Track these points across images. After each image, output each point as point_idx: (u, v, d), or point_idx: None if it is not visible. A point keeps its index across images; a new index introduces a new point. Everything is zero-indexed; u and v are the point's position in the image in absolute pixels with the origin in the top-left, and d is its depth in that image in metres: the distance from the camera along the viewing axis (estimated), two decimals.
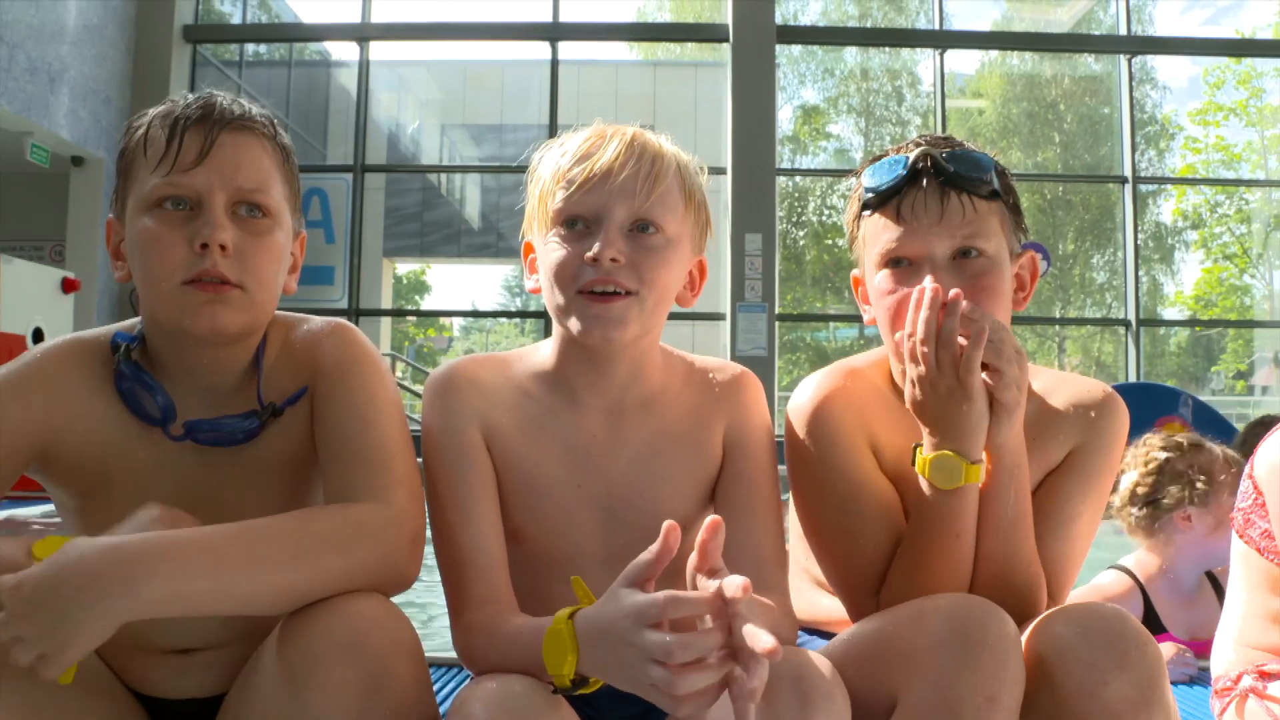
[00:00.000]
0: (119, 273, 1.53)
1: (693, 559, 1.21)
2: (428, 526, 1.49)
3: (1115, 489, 2.95)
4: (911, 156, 1.59)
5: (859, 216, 1.67)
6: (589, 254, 1.48)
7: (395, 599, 1.38)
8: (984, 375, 1.47)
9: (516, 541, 1.59)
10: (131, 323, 1.59)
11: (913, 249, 1.58)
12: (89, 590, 1.17)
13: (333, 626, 1.25)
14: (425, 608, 3.94)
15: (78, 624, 1.16)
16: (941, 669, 1.32)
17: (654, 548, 1.20)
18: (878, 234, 1.62)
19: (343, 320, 1.62)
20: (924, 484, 1.52)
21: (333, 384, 1.52)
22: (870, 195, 1.63)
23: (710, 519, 1.20)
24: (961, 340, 1.46)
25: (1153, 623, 2.83)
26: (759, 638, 1.09)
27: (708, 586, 1.16)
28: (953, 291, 1.47)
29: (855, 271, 1.75)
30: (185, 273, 1.42)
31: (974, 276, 1.55)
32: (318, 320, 1.62)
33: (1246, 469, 1.93)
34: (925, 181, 1.58)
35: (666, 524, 1.20)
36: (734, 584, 1.12)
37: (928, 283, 1.50)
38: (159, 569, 1.20)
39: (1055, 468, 1.65)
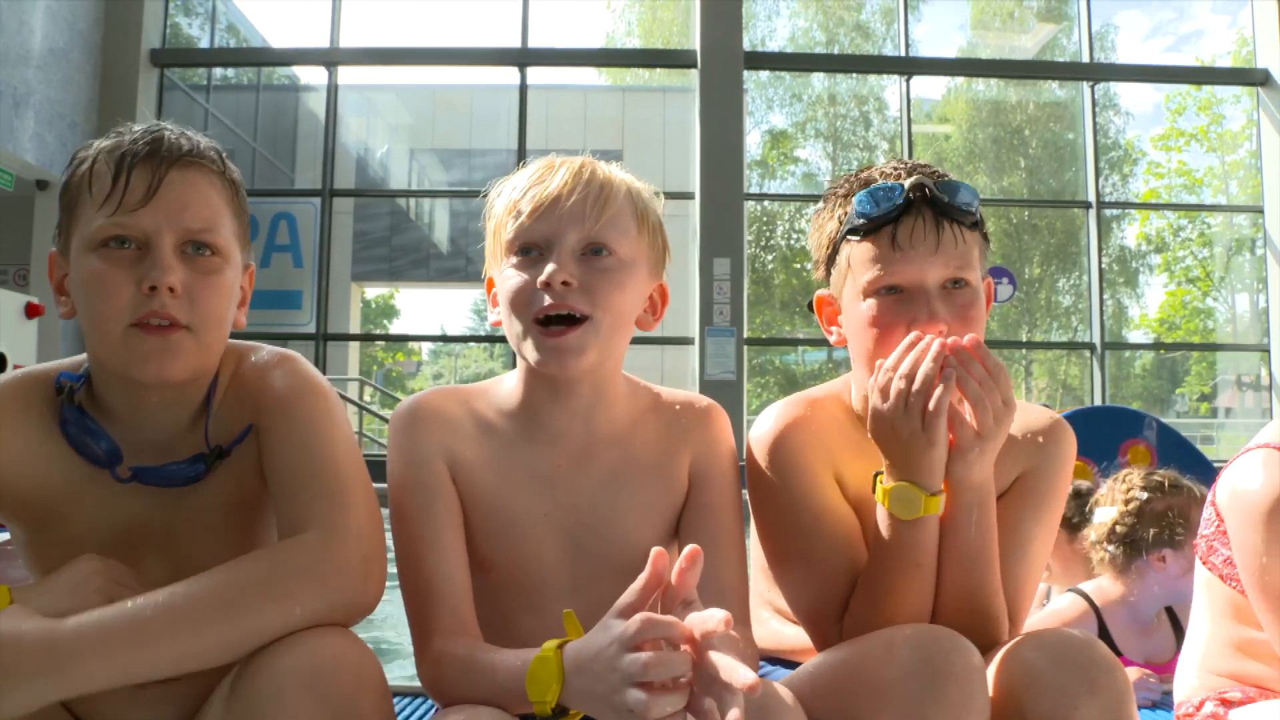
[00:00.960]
0: (63, 309, 1.49)
1: (667, 588, 1.22)
2: (388, 549, 1.46)
3: (1089, 523, 2.99)
4: (906, 185, 1.61)
5: (842, 241, 1.67)
6: (541, 278, 1.49)
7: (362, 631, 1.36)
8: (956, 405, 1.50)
9: (483, 571, 1.58)
10: (77, 360, 1.56)
11: (907, 277, 1.59)
12: (15, 668, 1.17)
13: (296, 663, 1.23)
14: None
15: (2, 694, 1.16)
16: (909, 701, 1.33)
17: (643, 576, 1.21)
18: (868, 262, 1.62)
19: (289, 351, 1.60)
20: (883, 513, 1.54)
21: (276, 417, 1.50)
22: (862, 221, 1.63)
23: (689, 548, 1.21)
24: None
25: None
26: (736, 672, 1.10)
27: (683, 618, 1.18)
28: (950, 339, 1.50)
29: (821, 292, 1.75)
30: (132, 314, 1.40)
31: (961, 307, 1.59)
32: (265, 351, 1.60)
33: (1209, 496, 1.94)
34: (922, 211, 1.59)
35: (655, 550, 1.22)
36: (715, 617, 1.13)
37: (933, 344, 1.51)
38: (89, 649, 1.19)
39: (1005, 492, 1.67)
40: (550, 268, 1.49)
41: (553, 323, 1.51)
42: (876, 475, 1.56)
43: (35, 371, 1.54)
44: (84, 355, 1.55)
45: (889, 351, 1.56)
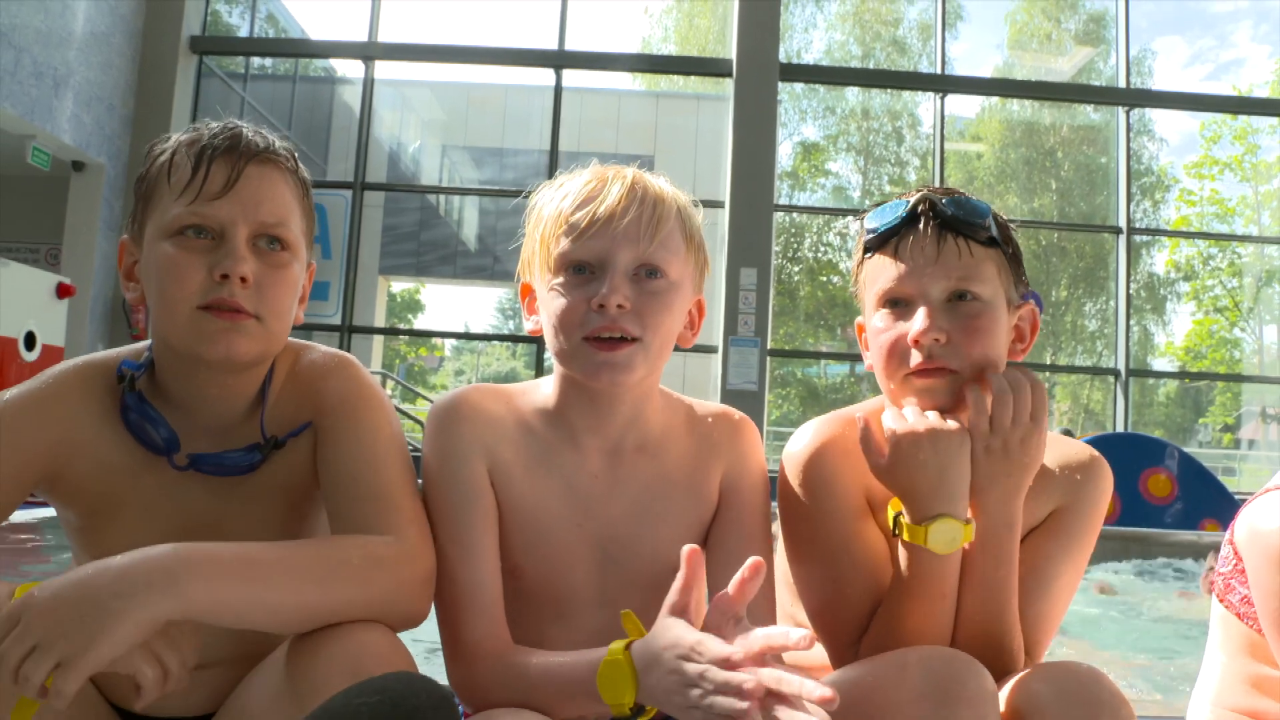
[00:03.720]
0: (131, 294, 1.54)
1: (728, 594, 1.25)
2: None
3: None
4: (912, 200, 1.62)
5: (862, 261, 1.69)
6: (596, 300, 1.48)
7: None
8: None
9: (514, 579, 1.58)
10: (139, 348, 1.60)
11: (908, 288, 1.59)
12: (129, 586, 1.17)
13: (339, 653, 1.26)
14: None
15: (113, 617, 1.15)
16: None
17: (681, 574, 1.27)
18: (877, 275, 1.64)
19: (348, 355, 1.63)
20: (914, 549, 1.52)
21: (337, 421, 1.53)
22: (871, 236, 1.65)
23: (751, 560, 1.24)
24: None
25: None
26: (806, 686, 1.13)
27: (747, 638, 1.22)
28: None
29: (860, 319, 1.75)
30: (201, 298, 1.44)
31: (967, 318, 1.56)
32: (321, 351, 1.63)
33: (1227, 534, 1.93)
34: (923, 223, 1.60)
35: (687, 548, 1.26)
36: (794, 636, 1.16)
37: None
38: (202, 571, 1.22)
39: (1037, 526, 1.65)
40: (605, 290, 1.48)
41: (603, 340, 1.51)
42: (898, 516, 1.55)
43: (97, 358, 1.58)
44: (145, 344, 1.59)
45: (895, 364, 1.58)
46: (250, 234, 1.48)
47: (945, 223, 1.59)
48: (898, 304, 1.61)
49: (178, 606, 1.19)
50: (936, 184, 1.71)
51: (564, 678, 1.36)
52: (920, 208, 1.61)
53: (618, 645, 1.29)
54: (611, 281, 1.49)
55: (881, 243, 1.64)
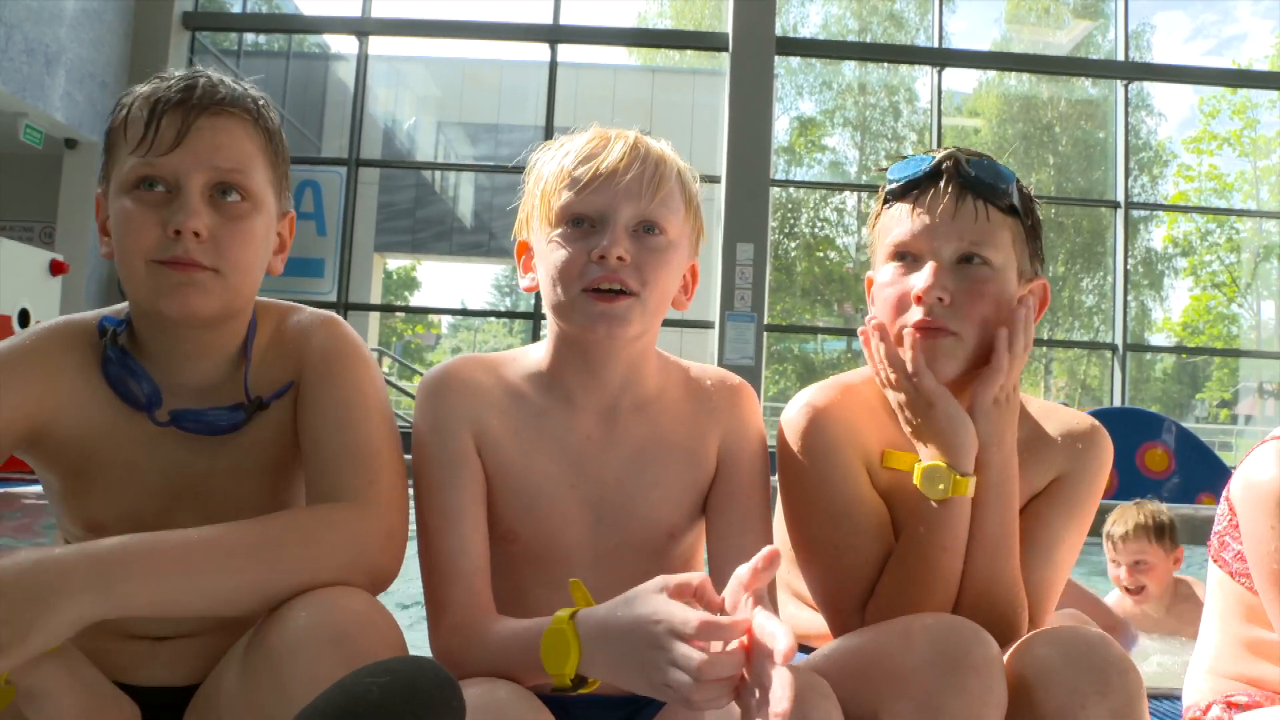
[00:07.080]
0: (105, 249, 1.51)
1: (742, 573, 1.21)
2: (410, 524, 1.47)
3: None
4: (938, 156, 1.63)
5: (880, 213, 1.70)
6: (596, 251, 1.48)
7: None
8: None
9: (507, 543, 1.58)
10: (120, 307, 1.57)
11: (920, 244, 1.60)
12: (62, 581, 1.16)
13: (320, 619, 1.24)
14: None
15: (48, 610, 1.14)
16: (927, 691, 1.32)
17: (688, 578, 1.22)
18: (891, 226, 1.65)
19: (333, 314, 1.61)
20: (918, 496, 1.55)
21: (317, 378, 1.52)
22: (893, 186, 1.66)
23: (767, 550, 1.20)
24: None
25: None
26: (777, 638, 1.11)
27: (745, 609, 1.19)
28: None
29: (869, 273, 1.76)
30: (156, 253, 1.41)
31: (973, 282, 1.57)
32: (308, 312, 1.61)
33: (1224, 491, 1.93)
34: (945, 180, 1.60)
35: (699, 576, 1.22)
36: (785, 644, 1.12)
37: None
38: (132, 568, 1.20)
39: (1039, 493, 1.66)
40: (606, 242, 1.48)
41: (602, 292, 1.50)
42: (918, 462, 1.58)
43: (78, 317, 1.56)
44: (125, 304, 1.57)
45: (895, 317, 1.60)
46: (206, 184, 1.44)
47: (967, 183, 1.60)
48: (906, 258, 1.62)
49: (113, 606, 1.19)
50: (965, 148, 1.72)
51: (520, 646, 1.35)
52: (944, 164, 1.62)
53: (563, 614, 1.28)
54: (613, 234, 1.49)
55: (902, 193, 1.65)
